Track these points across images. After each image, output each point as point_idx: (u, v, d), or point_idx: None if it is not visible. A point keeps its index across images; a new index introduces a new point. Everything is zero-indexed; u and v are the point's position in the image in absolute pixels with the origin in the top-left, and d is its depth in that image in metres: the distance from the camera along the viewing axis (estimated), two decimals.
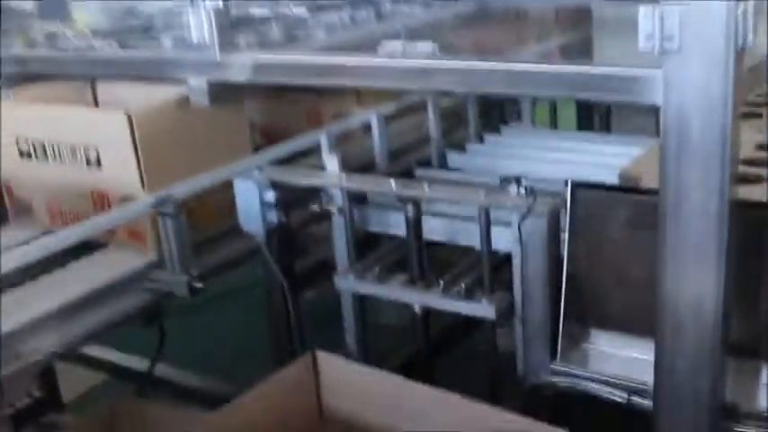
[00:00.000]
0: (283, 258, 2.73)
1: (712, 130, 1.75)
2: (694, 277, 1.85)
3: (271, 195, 2.60)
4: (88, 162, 2.59)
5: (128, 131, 2.43)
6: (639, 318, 2.22)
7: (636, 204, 2.12)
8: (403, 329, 3.15)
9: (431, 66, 2.05)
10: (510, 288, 2.36)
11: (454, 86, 2.11)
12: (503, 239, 2.34)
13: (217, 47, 2.42)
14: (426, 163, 3.24)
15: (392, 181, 2.47)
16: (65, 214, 2.78)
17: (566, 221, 2.20)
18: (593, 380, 2.21)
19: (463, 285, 2.37)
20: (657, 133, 3.49)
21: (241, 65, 2.42)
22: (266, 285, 2.85)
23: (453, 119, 3.47)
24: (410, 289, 2.49)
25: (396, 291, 2.52)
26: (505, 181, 2.25)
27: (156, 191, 2.46)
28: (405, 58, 2.10)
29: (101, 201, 2.62)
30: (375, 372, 2.42)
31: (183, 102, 2.56)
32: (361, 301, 2.70)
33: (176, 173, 2.48)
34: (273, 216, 2.62)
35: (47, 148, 2.70)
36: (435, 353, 2.68)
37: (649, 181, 2.18)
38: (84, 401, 3.54)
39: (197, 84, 2.51)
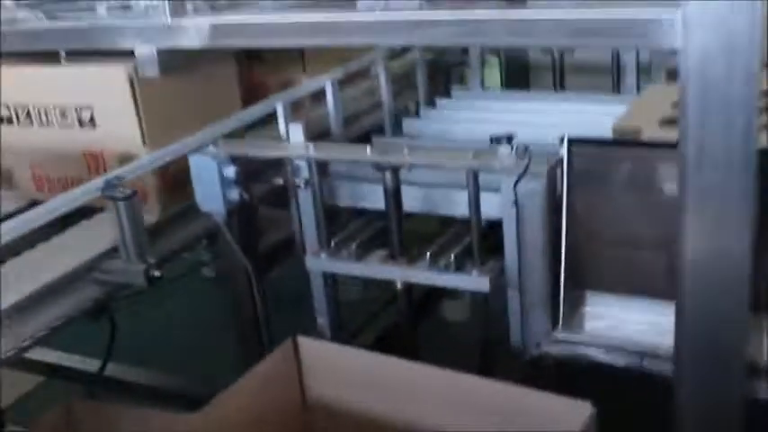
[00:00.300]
0: (246, 238, 2.53)
1: (737, 74, 1.63)
2: (719, 232, 1.74)
3: (231, 171, 2.39)
4: (81, 123, 2.50)
5: (128, 86, 2.37)
6: (644, 278, 2.13)
7: (640, 158, 2.01)
8: (366, 303, 3.00)
9: (422, 18, 1.87)
10: (498, 257, 2.23)
11: (449, 39, 1.95)
12: (488, 206, 2.20)
13: (168, 10, 2.18)
14: (379, 130, 3.08)
15: (367, 148, 2.30)
16: (52, 180, 2.66)
17: (562, 181, 2.07)
18: (600, 346, 2.09)
19: (453, 257, 2.21)
20: (615, 88, 3.46)
21: (196, 29, 2.19)
22: (227, 268, 2.63)
23: (402, 84, 3.31)
24: (392, 265, 2.33)
25: (376, 268, 2.35)
26: (496, 141, 2.10)
27: (156, 147, 2.36)
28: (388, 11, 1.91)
29: (94, 162, 2.53)
30: (360, 353, 2.25)
31: None
32: (333, 280, 2.52)
33: (175, 129, 2.40)
34: (234, 193, 2.41)
35: (31, 112, 2.57)
36: (414, 329, 2.53)
37: (650, 134, 2.07)
38: (21, 407, 3.24)
39: (145, 52, 2.27)
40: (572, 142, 2.03)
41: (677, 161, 1.73)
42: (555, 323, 2.15)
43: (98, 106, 2.47)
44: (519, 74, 4.40)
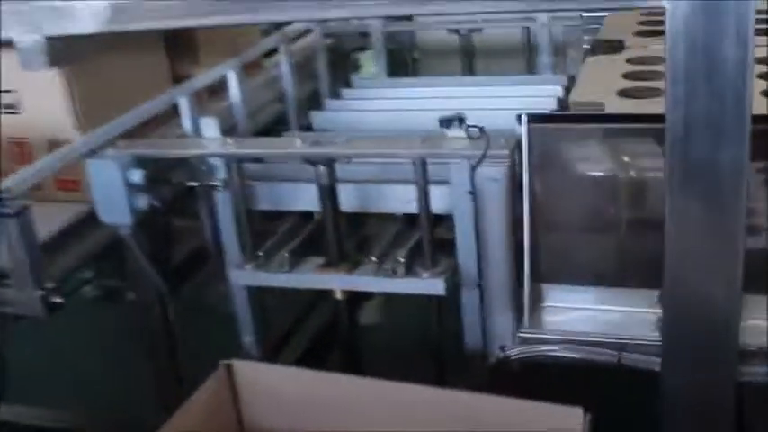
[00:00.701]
0: (155, 252, 2.22)
1: (728, 32, 1.48)
2: (709, 210, 1.59)
3: (137, 175, 2.07)
4: (4, 109, 2.29)
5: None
6: (615, 266, 1.97)
7: (608, 134, 1.84)
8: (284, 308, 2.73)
9: None
10: (447, 255, 2.02)
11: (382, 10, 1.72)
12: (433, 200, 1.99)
13: None
14: (282, 124, 2.82)
15: (296, 140, 2.04)
16: None
17: (521, 165, 1.88)
18: (570, 342, 1.92)
19: (402, 259, 1.98)
20: (529, 69, 3.30)
21: (91, 11, 1.86)
22: (136, 287, 2.31)
23: (301, 74, 3.05)
24: (331, 273, 2.08)
25: (313, 278, 2.10)
26: (446, 123, 1.89)
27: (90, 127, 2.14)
28: None
29: (20, 149, 2.31)
30: (304, 373, 2.00)
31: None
32: (260, 294, 2.25)
33: (113, 112, 2.20)
34: (142, 201, 2.10)
35: None
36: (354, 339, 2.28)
37: (613, 108, 1.92)
38: None
39: (30, 41, 1.93)
40: (532, 120, 1.84)
41: (664, 134, 1.56)
42: (519, 322, 1.96)
43: (24, 91, 2.27)
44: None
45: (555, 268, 1.97)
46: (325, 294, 2.21)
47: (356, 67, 3.56)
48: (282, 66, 2.78)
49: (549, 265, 1.96)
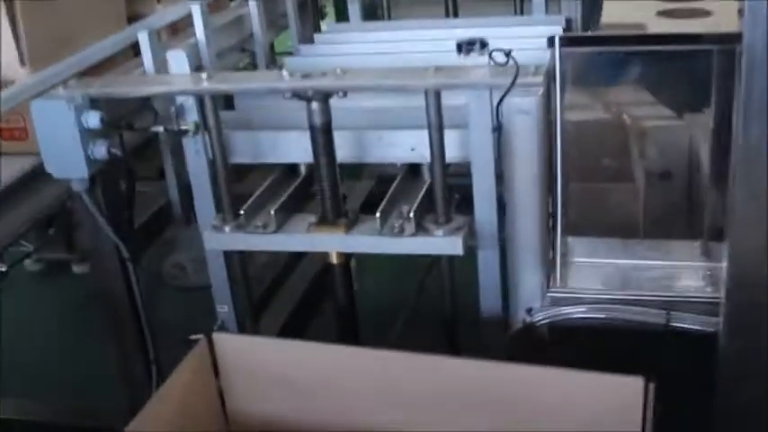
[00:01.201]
0: (115, 212, 1.90)
1: None
2: None
3: (94, 118, 1.75)
4: None
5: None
6: (656, 215, 1.72)
7: (657, 58, 1.57)
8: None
9: None
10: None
11: None
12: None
13: None
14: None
15: (283, 72, 1.73)
16: None
17: (554, 95, 1.61)
18: (609, 302, 1.66)
19: (411, 215, 1.70)
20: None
21: None
22: (92, 254, 1.99)
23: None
24: (328, 233, 1.78)
25: (306, 239, 1.79)
26: (466, 47, 1.61)
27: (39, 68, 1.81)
28: None
29: None
30: (291, 344, 1.71)
31: None
32: (241, 259, 1.95)
33: (60, 51, 1.90)
34: (100, 149, 1.77)
35: None
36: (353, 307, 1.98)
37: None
38: None
39: None
40: (565, 42, 1.57)
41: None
42: (548, 282, 1.70)
43: None
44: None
45: (588, 218, 1.71)
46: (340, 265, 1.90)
47: (322, 15, 3.25)
48: (250, 4, 2.45)
49: (582, 215, 1.70)
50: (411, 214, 1.69)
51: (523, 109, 1.56)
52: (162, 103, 1.89)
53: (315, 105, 1.69)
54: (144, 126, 1.87)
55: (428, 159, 1.76)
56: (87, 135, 1.76)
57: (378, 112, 1.89)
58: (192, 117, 1.82)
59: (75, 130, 1.74)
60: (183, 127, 1.81)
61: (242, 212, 1.80)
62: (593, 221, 1.84)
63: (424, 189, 1.79)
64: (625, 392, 1.38)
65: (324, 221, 1.79)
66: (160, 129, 1.85)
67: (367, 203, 1.90)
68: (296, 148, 1.84)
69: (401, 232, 1.71)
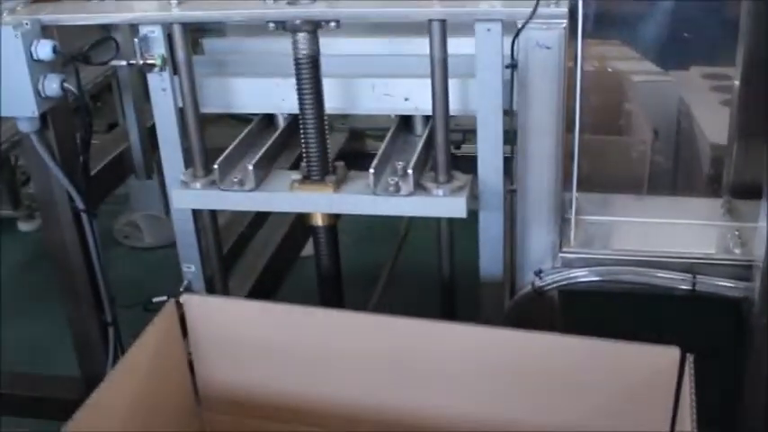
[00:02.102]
0: (70, 157, 1.68)
1: None
2: None
3: (46, 48, 1.52)
4: None
5: None
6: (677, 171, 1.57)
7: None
8: None
9: None
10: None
11: None
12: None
13: None
14: None
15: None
16: None
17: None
18: (627, 263, 1.50)
19: (409, 172, 1.51)
20: None
21: None
22: (42, 205, 1.76)
23: None
24: (315, 191, 1.58)
25: (290, 198, 1.59)
26: None
27: None
28: None
29: None
30: (268, 307, 1.52)
31: None
32: (212, 213, 1.74)
33: None
34: (52, 84, 1.55)
35: None
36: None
37: None
38: None
39: None
40: None
41: None
42: (560, 241, 1.53)
43: None
44: None
45: (604, 173, 1.54)
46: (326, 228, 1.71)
47: None
48: None
49: (598, 170, 1.53)
50: (409, 170, 1.50)
51: (545, 44, 1.37)
52: (125, 34, 1.67)
53: (300, 37, 1.49)
54: (103, 60, 1.64)
55: (422, 111, 1.61)
56: (38, 68, 1.54)
57: (369, 59, 1.70)
58: (159, 50, 1.60)
59: (23, 61, 1.52)
60: (149, 61, 1.59)
61: (215, 167, 1.59)
62: (589, 176, 1.68)
63: (421, 144, 1.61)
64: (659, 363, 1.22)
65: (309, 179, 1.59)
66: (122, 63, 1.63)
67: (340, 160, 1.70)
68: (276, 97, 1.66)
69: (397, 191, 1.52)
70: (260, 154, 1.63)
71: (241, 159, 1.66)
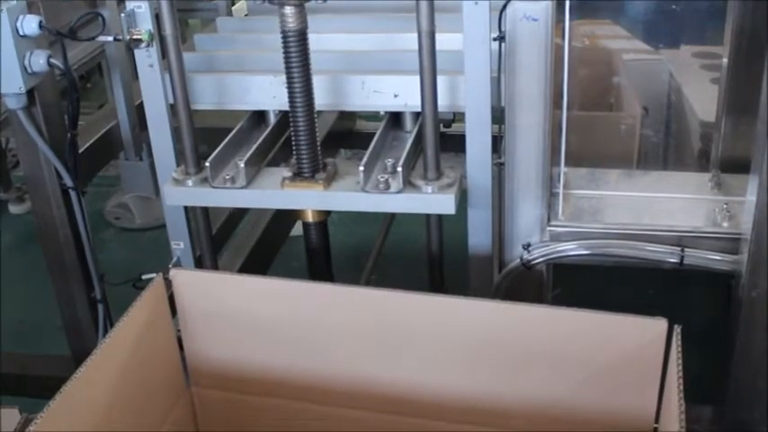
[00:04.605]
0: (58, 134, 1.68)
1: None
2: None
3: (31, 24, 1.51)
4: None
5: None
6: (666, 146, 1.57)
7: None
8: None
9: None
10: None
11: None
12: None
13: None
14: None
15: None
16: None
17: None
18: (615, 236, 1.50)
19: (399, 169, 1.51)
20: None
21: None
22: (30, 183, 1.75)
23: None
24: (306, 188, 1.57)
25: (281, 195, 1.60)
26: None
27: None
28: None
29: None
30: (254, 281, 1.51)
31: None
32: (205, 211, 1.75)
33: None
34: (39, 61, 1.54)
35: None
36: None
37: None
38: None
39: None
40: None
41: None
42: (548, 215, 1.53)
43: None
44: None
45: (594, 149, 1.54)
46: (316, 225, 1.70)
47: None
48: None
49: (588, 146, 1.53)
50: (399, 168, 1.50)
51: (532, 16, 1.37)
52: (112, 11, 1.66)
53: (288, 11, 1.48)
54: (90, 36, 1.64)
55: (412, 107, 1.63)
56: (24, 43, 1.54)
57: (359, 56, 1.73)
58: (147, 26, 1.59)
59: (9, 37, 1.51)
60: (136, 36, 1.58)
61: (207, 164, 1.59)
62: (579, 151, 1.68)
63: (410, 141, 1.61)
64: (647, 334, 1.22)
65: (299, 176, 1.59)
66: (108, 38, 1.62)
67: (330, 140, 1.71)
68: (266, 95, 1.69)
69: (387, 188, 1.53)
70: (251, 151, 1.64)
71: (232, 157, 1.67)
